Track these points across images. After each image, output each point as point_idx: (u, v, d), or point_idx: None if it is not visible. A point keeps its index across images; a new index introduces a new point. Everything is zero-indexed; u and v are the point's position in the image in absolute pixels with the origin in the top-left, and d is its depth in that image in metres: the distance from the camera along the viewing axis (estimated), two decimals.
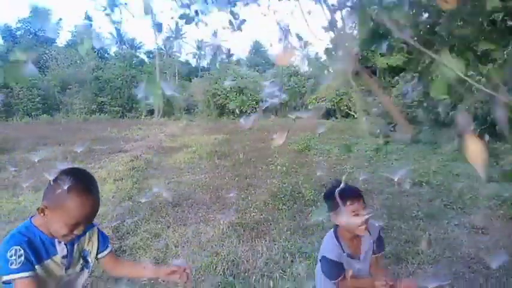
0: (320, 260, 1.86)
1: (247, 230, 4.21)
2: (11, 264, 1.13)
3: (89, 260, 1.41)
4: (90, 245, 1.42)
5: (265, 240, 3.91)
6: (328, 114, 21.31)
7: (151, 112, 25.61)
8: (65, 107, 25.76)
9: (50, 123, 19.56)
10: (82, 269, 1.39)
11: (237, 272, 3.25)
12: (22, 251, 1.16)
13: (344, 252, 1.79)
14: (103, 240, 1.47)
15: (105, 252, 1.47)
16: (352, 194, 1.71)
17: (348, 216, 1.68)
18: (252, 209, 4.93)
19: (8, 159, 7.85)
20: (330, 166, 7.52)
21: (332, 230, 1.87)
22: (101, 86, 27.14)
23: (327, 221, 4.26)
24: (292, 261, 3.41)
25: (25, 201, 5.16)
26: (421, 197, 5.12)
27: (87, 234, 1.41)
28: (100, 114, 25.37)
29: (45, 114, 23.55)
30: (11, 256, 1.14)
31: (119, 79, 27.38)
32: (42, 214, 1.20)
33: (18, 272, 1.14)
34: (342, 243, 1.81)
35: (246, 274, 3.20)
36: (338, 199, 1.55)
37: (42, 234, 1.25)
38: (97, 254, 1.45)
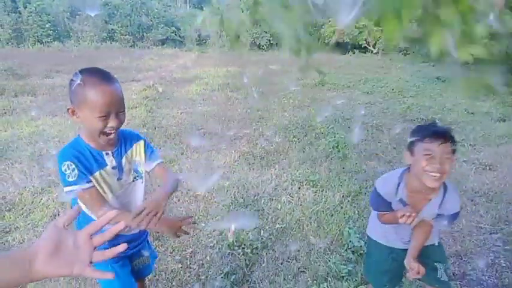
0: (372, 190, 1.68)
1: (257, 159, 4.33)
2: (68, 177, 1.22)
3: (140, 170, 1.43)
4: (139, 156, 1.44)
5: (275, 169, 4.03)
6: (346, 48, 20.51)
7: (162, 42, 24.97)
8: (76, 34, 25.23)
9: (62, 50, 19.35)
10: (135, 180, 1.43)
11: (247, 195, 3.41)
12: (73, 165, 1.24)
13: (397, 197, 1.57)
14: (150, 152, 1.48)
15: (153, 165, 1.47)
16: (435, 132, 1.43)
17: (420, 155, 1.43)
18: (262, 140, 5.01)
19: (24, 85, 7.93)
20: (344, 101, 7.43)
21: (402, 170, 1.61)
22: (111, 13, 26.25)
23: (335, 152, 4.36)
24: (299, 188, 3.55)
25: (43, 125, 5.32)
26: None
27: (135, 146, 1.43)
28: (111, 43, 24.89)
29: (56, 42, 23.19)
30: (65, 170, 1.23)
31: (129, 5, 26.36)
32: (74, 117, 1.23)
33: (76, 184, 1.23)
34: (402, 187, 1.56)
35: (255, 198, 3.37)
36: (417, 134, 1.46)
37: (90, 147, 1.30)
38: (146, 165, 1.48)
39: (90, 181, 1.27)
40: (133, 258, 1.59)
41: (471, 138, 4.91)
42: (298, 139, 5.01)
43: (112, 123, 1.22)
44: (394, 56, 15.17)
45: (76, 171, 1.24)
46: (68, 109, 1.23)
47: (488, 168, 4.05)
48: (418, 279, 1.60)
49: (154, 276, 2.34)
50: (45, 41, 23.33)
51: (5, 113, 6.02)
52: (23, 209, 3.11)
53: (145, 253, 1.62)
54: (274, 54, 17.65)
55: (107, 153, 1.33)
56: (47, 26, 23.83)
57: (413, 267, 1.47)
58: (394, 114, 6.18)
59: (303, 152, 4.55)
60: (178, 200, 3.37)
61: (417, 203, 1.55)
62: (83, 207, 1.35)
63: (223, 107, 7.06)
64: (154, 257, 1.77)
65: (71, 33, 25.52)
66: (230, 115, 6.42)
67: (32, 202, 3.21)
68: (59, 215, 3.03)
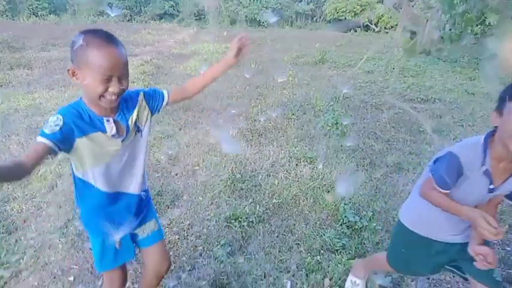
0: (443, 155, 1.42)
1: (255, 136, 4.33)
2: (45, 128, 1.15)
3: (140, 127, 1.39)
4: (143, 112, 1.39)
5: (273, 146, 4.04)
6: (347, 26, 20.15)
7: (160, 17, 24.46)
8: (72, 7, 24.66)
9: (58, 24, 18.93)
10: (135, 135, 1.37)
11: (244, 171, 3.43)
12: (61, 122, 1.16)
13: (483, 168, 1.33)
14: (152, 97, 1.43)
15: (164, 102, 1.45)
16: None
17: (509, 117, 1.21)
18: (261, 117, 4.99)
19: (20, 58, 7.80)
20: (344, 80, 7.37)
21: (484, 135, 1.37)
22: None
23: (334, 130, 4.35)
24: (296, 164, 3.57)
25: (40, 98, 5.27)
26: (432, 112, 5.09)
27: (139, 101, 1.38)
28: (108, 17, 24.36)
29: (52, 15, 22.68)
30: (50, 121, 1.16)
31: None
32: (75, 78, 1.18)
33: (42, 135, 1.14)
34: (487, 156, 1.33)
35: (253, 173, 3.38)
36: (510, 91, 1.24)
37: (91, 111, 1.25)
38: (155, 111, 1.45)
39: (56, 143, 1.14)
40: (135, 228, 1.53)
41: (470, 118, 4.91)
42: (297, 117, 4.99)
43: (113, 88, 1.17)
44: (397, 35, 14.92)
45: (58, 127, 1.15)
46: (68, 70, 1.18)
47: None
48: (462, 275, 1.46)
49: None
50: (41, 14, 22.79)
51: (1, 86, 5.95)
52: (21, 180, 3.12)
53: (146, 225, 1.56)
54: (274, 31, 17.35)
55: (108, 120, 1.27)
56: None
57: (485, 252, 1.31)
58: (394, 94, 6.15)
59: (301, 129, 4.54)
60: (176, 175, 3.39)
61: (499, 175, 1.34)
62: (81, 175, 1.32)
63: (222, 84, 6.99)
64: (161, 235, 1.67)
65: (67, 7, 24.92)
66: (229, 92, 6.37)
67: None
68: (56, 186, 3.04)
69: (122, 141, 1.32)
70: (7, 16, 21.88)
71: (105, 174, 1.33)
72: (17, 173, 1.02)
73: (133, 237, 1.54)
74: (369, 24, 19.34)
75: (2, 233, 2.47)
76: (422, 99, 5.73)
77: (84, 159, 1.27)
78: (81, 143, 1.22)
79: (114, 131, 1.28)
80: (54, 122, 1.16)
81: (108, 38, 1.17)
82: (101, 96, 1.19)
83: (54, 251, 2.33)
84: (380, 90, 6.43)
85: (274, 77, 7.40)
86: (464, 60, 8.95)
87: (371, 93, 6.20)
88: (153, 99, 1.44)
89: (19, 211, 2.73)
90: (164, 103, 1.46)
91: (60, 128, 1.15)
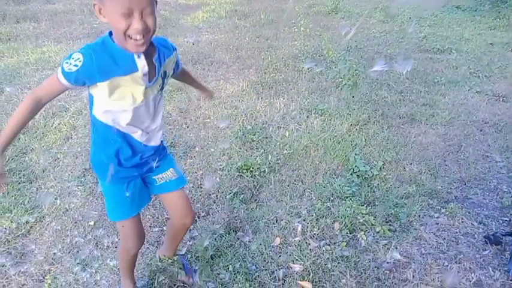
0: None
1: (266, 89, 4.28)
2: (66, 62, 1.13)
3: (165, 82, 1.37)
4: (170, 67, 1.38)
5: (283, 98, 4.00)
6: None
7: None
8: None
9: None
10: (160, 90, 1.34)
11: (255, 123, 3.44)
12: (81, 62, 1.12)
13: None
14: (178, 64, 1.47)
15: (177, 71, 1.49)
16: None
17: None
18: (271, 69, 4.90)
19: (25, 10, 7.64)
20: (357, 30, 7.10)
21: None
22: None
23: (345, 81, 4.27)
24: (307, 116, 3.55)
25: (49, 52, 5.22)
26: (448, 63, 4.93)
27: (172, 56, 1.35)
28: None
29: None
30: (72, 58, 1.12)
31: None
32: (101, 16, 1.13)
33: (62, 72, 1.14)
34: None
35: (263, 125, 3.39)
36: None
37: (120, 48, 1.17)
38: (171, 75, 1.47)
39: (71, 83, 1.16)
40: (152, 175, 1.51)
41: (487, 69, 4.74)
42: (308, 69, 4.89)
43: (136, 24, 1.08)
44: None
45: (74, 68, 1.12)
46: (94, 5, 1.12)
47: (501, 99, 3.96)
48: None
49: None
50: None
51: (9, 39, 5.89)
52: (36, 132, 3.19)
53: (163, 174, 1.52)
54: None
55: (139, 56, 1.18)
56: None
57: None
58: (410, 44, 5.93)
59: (313, 81, 4.46)
60: (188, 127, 3.42)
61: None
62: (102, 117, 1.27)
63: (231, 36, 6.81)
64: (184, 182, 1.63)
65: None
66: (238, 44, 6.21)
67: (45, 126, 3.27)
68: (72, 138, 3.11)
69: (146, 88, 1.25)
70: None
71: (122, 118, 1.28)
72: (35, 113, 1.19)
73: (149, 184, 1.52)
74: None
75: (24, 182, 2.57)
76: (438, 49, 5.51)
77: (104, 100, 1.23)
78: (102, 85, 1.17)
79: (146, 69, 1.20)
80: (74, 60, 1.12)
81: None
82: (126, 36, 1.12)
83: (73, 198, 2.43)
84: (395, 41, 6.20)
85: (285, 28, 7.18)
86: (485, 9, 8.48)
87: (385, 44, 5.99)
88: (178, 65, 1.47)
89: (37, 162, 2.81)
90: (178, 71, 1.50)
91: (77, 70, 1.12)
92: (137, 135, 1.35)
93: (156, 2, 1.17)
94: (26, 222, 2.21)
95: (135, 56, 1.18)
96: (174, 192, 1.56)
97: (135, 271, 1.77)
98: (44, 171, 2.71)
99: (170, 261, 1.81)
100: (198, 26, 7.69)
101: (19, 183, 2.55)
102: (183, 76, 1.65)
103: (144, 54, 1.20)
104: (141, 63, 1.19)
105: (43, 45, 5.57)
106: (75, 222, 2.24)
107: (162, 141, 1.51)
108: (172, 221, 1.70)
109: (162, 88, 1.35)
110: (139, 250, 1.64)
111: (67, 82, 1.16)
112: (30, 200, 2.39)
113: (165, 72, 1.34)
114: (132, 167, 1.40)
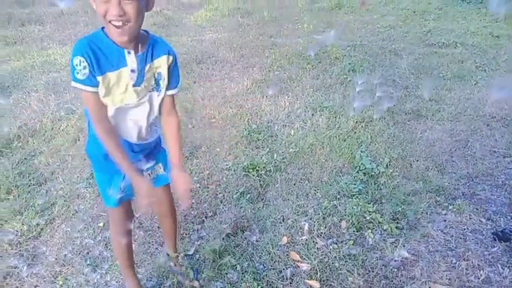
0: None
1: (270, 87, 4.28)
2: (77, 74, 1.16)
3: (161, 84, 1.33)
4: (164, 71, 1.32)
5: (288, 96, 4.00)
6: None
7: None
8: None
9: None
10: (152, 90, 1.33)
11: (260, 122, 3.44)
12: (85, 62, 1.16)
13: None
14: (175, 76, 1.36)
15: (169, 92, 1.37)
16: None
17: None
18: (275, 67, 4.90)
19: (30, 13, 7.70)
20: (361, 25, 7.06)
21: None
22: None
23: (350, 78, 4.26)
24: (312, 114, 3.55)
25: (54, 54, 5.26)
26: (453, 57, 4.89)
27: (164, 57, 1.31)
28: None
29: None
30: (76, 65, 1.16)
31: None
32: (93, 2, 1.14)
33: (83, 83, 1.18)
34: None
35: (269, 124, 3.39)
36: None
37: (111, 42, 1.19)
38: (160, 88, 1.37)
39: (97, 85, 1.19)
40: (142, 168, 1.51)
41: (493, 62, 4.69)
42: (312, 66, 4.88)
43: (113, 9, 1.09)
44: None
45: (87, 69, 1.16)
46: None
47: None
48: None
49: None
50: None
51: (15, 42, 5.95)
52: (44, 135, 3.23)
53: (157, 165, 1.56)
54: None
55: (129, 52, 1.21)
56: None
57: None
58: (414, 38, 5.88)
59: (317, 79, 4.45)
60: (193, 127, 3.43)
61: None
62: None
63: (234, 34, 6.81)
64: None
65: None
66: (242, 42, 6.21)
67: (52, 128, 3.31)
68: (79, 140, 3.14)
69: (134, 86, 1.26)
70: None
71: (113, 115, 1.31)
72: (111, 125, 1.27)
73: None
74: None
75: (33, 185, 2.61)
76: (443, 43, 5.46)
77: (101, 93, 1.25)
78: (100, 80, 1.21)
79: (134, 65, 1.23)
80: (79, 66, 1.16)
81: None
82: (107, 21, 1.12)
83: (82, 200, 2.47)
84: (400, 35, 6.16)
85: (288, 25, 7.16)
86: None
87: (390, 39, 5.95)
88: (174, 78, 1.36)
89: (46, 164, 2.85)
90: (169, 92, 1.37)
91: (90, 70, 1.17)
92: (128, 131, 1.38)
93: None
94: (37, 224, 2.24)
95: (126, 52, 1.21)
96: (159, 188, 1.60)
97: (143, 272, 1.80)
98: (52, 174, 2.75)
99: (177, 262, 1.84)
100: (201, 24, 7.70)
101: (29, 185, 2.59)
102: (166, 113, 1.42)
103: (134, 50, 1.23)
104: (131, 59, 1.22)
105: (48, 47, 5.62)
106: (85, 224, 2.27)
107: (158, 136, 1.52)
108: (159, 218, 1.78)
109: (157, 89, 1.34)
110: (133, 239, 1.71)
111: (92, 88, 1.19)
112: (40, 203, 2.42)
113: (159, 74, 1.32)
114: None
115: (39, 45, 5.74)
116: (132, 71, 1.23)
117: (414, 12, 7.67)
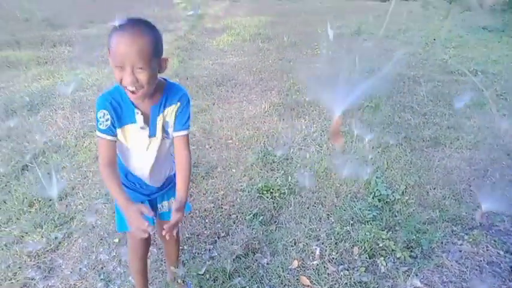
0: None
1: (288, 110, 4.34)
2: (100, 125, 1.30)
3: (169, 132, 1.41)
4: (171, 119, 1.39)
5: (305, 120, 4.04)
6: None
7: None
8: None
9: (96, 0, 19.36)
10: (164, 139, 1.42)
11: (276, 145, 3.48)
12: (108, 115, 1.30)
13: None
14: (181, 118, 1.39)
15: (175, 134, 1.41)
16: None
17: None
18: (294, 91, 4.98)
19: (61, 35, 8.13)
20: (380, 51, 7.11)
21: None
22: None
23: (367, 102, 4.27)
24: (329, 138, 3.57)
25: (82, 75, 5.52)
26: (473, 85, 4.85)
27: (173, 106, 1.37)
28: None
29: None
30: (100, 117, 1.30)
31: None
32: (110, 60, 1.22)
33: (104, 132, 1.31)
34: None
35: (285, 146, 3.43)
36: None
37: (128, 98, 1.30)
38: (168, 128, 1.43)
39: (115, 135, 1.33)
40: (154, 203, 1.65)
41: None
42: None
43: (126, 78, 1.17)
44: (438, 4, 14.03)
45: (109, 122, 1.30)
46: (108, 48, 1.24)
47: None
48: None
49: (189, 214, 2.52)
50: None
51: (46, 62, 6.27)
52: (67, 151, 3.36)
53: (165, 203, 1.66)
54: (308, 2, 16.83)
55: (137, 112, 1.33)
56: None
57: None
58: (434, 66, 5.88)
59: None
60: (211, 147, 3.50)
61: None
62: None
63: (254, 58, 6.97)
64: (187, 208, 1.63)
65: None
66: (261, 66, 6.35)
67: (76, 145, 3.44)
68: None
69: (149, 137, 1.38)
70: None
71: (130, 159, 1.46)
72: (116, 172, 1.35)
73: (154, 208, 1.65)
74: None
75: (55, 199, 2.70)
76: (464, 71, 5.46)
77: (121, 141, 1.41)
78: (119, 132, 1.36)
79: (142, 123, 1.35)
80: (103, 118, 1.30)
81: (133, 25, 1.17)
82: (122, 85, 1.22)
83: (100, 215, 2.53)
84: (419, 62, 6.17)
85: (307, 50, 7.29)
86: None
87: (409, 66, 5.97)
88: (180, 121, 1.39)
89: (68, 179, 2.95)
90: (176, 134, 1.41)
91: (111, 122, 1.31)
92: (141, 170, 1.50)
93: (158, 56, 1.23)
94: (55, 237, 2.31)
95: (135, 111, 1.33)
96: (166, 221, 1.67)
97: None
98: (73, 189, 2.84)
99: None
100: (223, 49, 7.92)
101: (50, 200, 2.68)
102: (178, 152, 1.44)
103: (150, 101, 1.34)
104: (139, 118, 1.34)
105: (76, 67, 5.89)
106: (101, 239, 2.32)
107: (170, 176, 1.60)
108: (163, 242, 1.87)
109: (167, 137, 1.43)
110: (148, 259, 1.77)
111: (111, 136, 1.33)
112: (60, 216, 2.50)
113: (167, 123, 1.39)
114: (136, 193, 1.55)
115: (68, 65, 6.03)
116: (142, 127, 1.35)
117: (434, 39, 7.68)
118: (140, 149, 1.42)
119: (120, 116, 1.32)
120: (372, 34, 8.68)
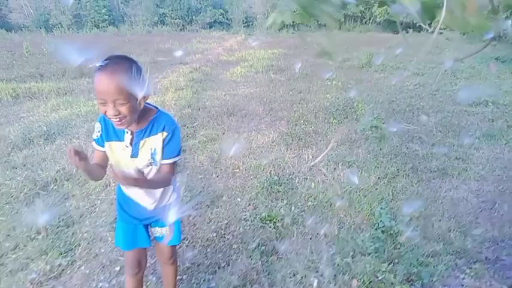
0: None
1: (295, 140, 4.39)
2: (93, 134, 1.48)
3: (156, 159, 1.46)
4: (159, 147, 1.45)
5: (312, 150, 4.08)
6: (399, 27, 19.38)
7: (210, 25, 25.32)
8: (129, 18, 26.43)
9: (117, 35, 20.35)
10: (149, 165, 1.47)
11: (282, 174, 3.51)
12: (100, 128, 1.45)
13: None
14: (168, 147, 1.45)
15: (163, 161, 1.47)
16: None
17: None
18: (302, 121, 5.05)
19: (82, 68, 8.53)
20: (390, 83, 7.19)
21: None
22: None
23: (373, 133, 4.29)
24: (335, 168, 3.58)
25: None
26: (483, 116, 4.82)
27: (159, 135, 1.43)
28: (162, 27, 25.74)
29: (111, 26, 24.49)
30: (95, 128, 1.48)
31: None
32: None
33: (94, 141, 1.48)
34: None
35: (290, 176, 3.45)
36: None
37: None
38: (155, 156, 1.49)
39: (103, 147, 1.46)
40: (148, 226, 1.72)
41: None
42: (339, 121, 4.98)
43: (110, 111, 1.27)
44: (451, 35, 14.17)
45: (99, 134, 1.46)
46: None
47: None
48: None
49: (192, 243, 2.54)
50: (102, 25, 24.70)
51: (66, 93, 6.57)
52: (79, 179, 3.46)
53: (158, 229, 1.70)
54: (320, 36, 17.24)
55: (127, 132, 1.43)
56: (102, 11, 25.20)
57: None
58: (444, 96, 5.89)
59: (342, 133, 4.52)
60: (217, 176, 3.55)
61: None
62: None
63: (265, 89, 7.14)
64: (176, 241, 1.75)
65: (124, 18, 26.73)
66: (272, 97, 6.49)
67: None
68: (109, 185, 3.34)
69: (131, 157, 1.45)
70: (73, 29, 23.96)
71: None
72: (100, 172, 1.49)
73: (149, 231, 1.73)
74: (422, 25, 18.46)
75: (62, 226, 2.77)
76: (474, 102, 5.43)
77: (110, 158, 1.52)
78: (107, 145, 1.48)
79: (128, 142, 1.45)
80: (96, 129, 1.47)
81: (111, 64, 1.25)
82: (108, 116, 1.32)
83: (104, 243, 2.58)
84: (429, 93, 6.19)
85: (318, 82, 7.41)
86: None
87: (418, 96, 5.99)
88: (167, 152, 1.46)
89: (76, 207, 3.03)
90: (164, 162, 1.47)
91: (100, 134, 1.46)
92: (138, 196, 1.60)
93: (138, 91, 1.26)
94: (59, 265, 2.36)
95: (125, 131, 1.43)
96: (160, 243, 1.77)
97: None
98: (81, 217, 2.91)
99: None
100: (236, 80, 8.15)
101: (57, 227, 2.75)
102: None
103: (136, 127, 1.43)
104: (128, 137, 1.45)
105: (94, 98, 6.14)
106: (103, 267, 2.35)
107: (167, 204, 1.65)
108: (161, 265, 1.92)
109: (153, 164, 1.47)
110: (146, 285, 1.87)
111: (99, 147, 1.49)
112: (65, 244, 2.56)
113: (154, 150, 1.45)
114: (131, 215, 1.66)
115: (86, 96, 6.30)
116: (126, 146, 1.45)
117: (446, 70, 7.72)
118: (123, 167, 1.45)
119: (108, 131, 1.45)
120: (383, 65, 8.80)
